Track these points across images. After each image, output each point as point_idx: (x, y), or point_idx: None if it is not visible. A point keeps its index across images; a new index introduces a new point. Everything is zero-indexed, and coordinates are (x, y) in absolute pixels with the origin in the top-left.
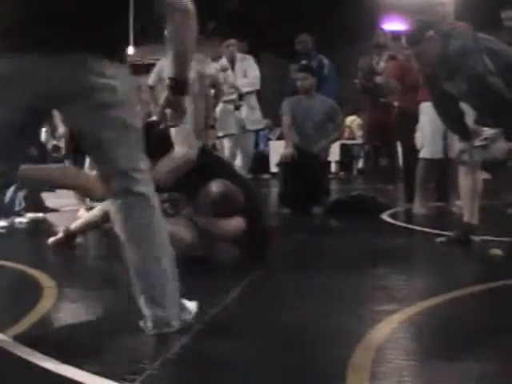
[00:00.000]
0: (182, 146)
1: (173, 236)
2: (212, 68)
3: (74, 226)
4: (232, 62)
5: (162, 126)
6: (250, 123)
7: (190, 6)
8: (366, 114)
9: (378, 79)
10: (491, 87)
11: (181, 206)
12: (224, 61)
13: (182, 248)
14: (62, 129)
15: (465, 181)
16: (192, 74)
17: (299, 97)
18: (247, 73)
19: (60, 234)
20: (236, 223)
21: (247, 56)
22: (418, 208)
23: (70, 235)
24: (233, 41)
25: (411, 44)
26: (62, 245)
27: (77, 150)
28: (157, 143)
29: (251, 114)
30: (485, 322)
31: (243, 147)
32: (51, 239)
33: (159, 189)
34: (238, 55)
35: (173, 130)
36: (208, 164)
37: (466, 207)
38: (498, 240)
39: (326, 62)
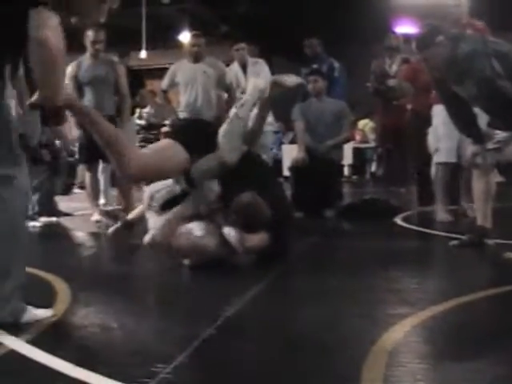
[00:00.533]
0: (223, 148)
1: (196, 242)
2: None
3: (130, 216)
4: (243, 66)
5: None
6: None
7: (50, 40)
8: (378, 117)
9: (391, 82)
10: (500, 90)
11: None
12: (236, 65)
13: (203, 254)
14: (75, 132)
15: (478, 184)
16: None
17: (310, 101)
18: (259, 77)
19: (118, 224)
20: (259, 239)
21: (259, 60)
22: (442, 214)
23: (129, 224)
24: (243, 44)
25: (420, 48)
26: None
27: (91, 157)
28: (203, 140)
29: None
30: (498, 325)
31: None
32: (111, 230)
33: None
34: (250, 59)
35: (221, 130)
36: (247, 170)
37: (479, 210)
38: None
39: (336, 64)
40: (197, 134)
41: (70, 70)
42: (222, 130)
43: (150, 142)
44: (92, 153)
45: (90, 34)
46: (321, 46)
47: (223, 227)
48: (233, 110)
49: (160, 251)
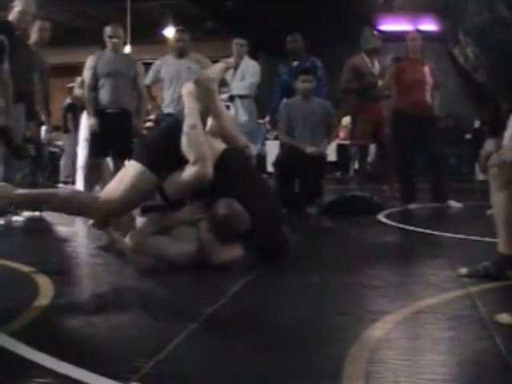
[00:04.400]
0: (195, 162)
1: (173, 252)
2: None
3: None
4: (238, 62)
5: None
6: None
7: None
8: (355, 115)
9: (385, 80)
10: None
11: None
12: (232, 59)
13: (181, 261)
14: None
15: (497, 198)
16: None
17: (296, 99)
18: (245, 77)
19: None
20: (233, 253)
21: (253, 62)
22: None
23: (102, 222)
24: (244, 41)
25: None
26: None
27: (99, 152)
28: (168, 157)
29: (237, 118)
30: (480, 321)
31: None
32: (90, 222)
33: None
34: (246, 57)
35: (183, 142)
36: (226, 173)
37: (500, 231)
38: None
39: (318, 63)
40: (162, 151)
41: (89, 61)
42: (184, 145)
43: None
44: (101, 149)
45: (107, 29)
46: (303, 43)
47: (201, 234)
48: (184, 125)
49: (134, 254)
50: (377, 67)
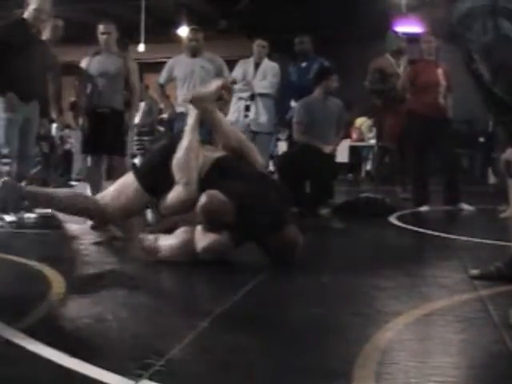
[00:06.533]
0: (179, 184)
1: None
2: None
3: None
4: (258, 63)
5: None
6: (256, 125)
7: None
8: (381, 117)
9: (400, 81)
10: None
11: None
12: (251, 60)
13: (173, 256)
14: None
15: None
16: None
17: (312, 99)
18: (267, 76)
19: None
20: (214, 239)
21: (274, 63)
22: None
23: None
24: (265, 42)
25: (410, 10)
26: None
27: (95, 149)
28: (165, 179)
29: (257, 117)
30: (492, 324)
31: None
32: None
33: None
34: (266, 60)
35: (174, 162)
36: (218, 178)
37: None
38: None
39: (326, 64)
40: (158, 174)
41: (82, 64)
42: (174, 165)
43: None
44: (96, 145)
45: (100, 27)
46: (311, 44)
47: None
48: (179, 145)
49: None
50: (402, 68)
